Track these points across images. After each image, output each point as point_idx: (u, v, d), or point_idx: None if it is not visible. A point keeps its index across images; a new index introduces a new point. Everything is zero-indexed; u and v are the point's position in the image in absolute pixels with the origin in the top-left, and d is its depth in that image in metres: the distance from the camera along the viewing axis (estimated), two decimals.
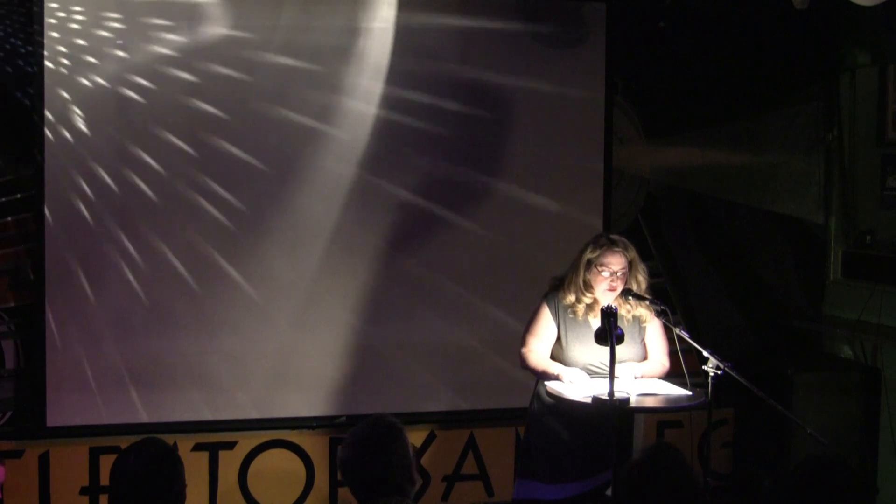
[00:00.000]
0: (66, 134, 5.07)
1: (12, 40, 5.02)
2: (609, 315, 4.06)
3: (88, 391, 5.13)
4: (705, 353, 4.11)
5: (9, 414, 5.12)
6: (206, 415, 5.29)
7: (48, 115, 5.03)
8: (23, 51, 5.03)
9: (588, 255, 4.40)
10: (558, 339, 4.43)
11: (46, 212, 5.05)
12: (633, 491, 2.86)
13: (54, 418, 5.10)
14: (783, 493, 2.91)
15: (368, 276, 5.44)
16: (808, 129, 6.05)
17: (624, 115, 5.82)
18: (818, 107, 6.06)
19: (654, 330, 4.51)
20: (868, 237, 5.86)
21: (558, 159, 5.66)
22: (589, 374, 4.33)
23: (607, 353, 4.04)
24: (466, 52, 5.51)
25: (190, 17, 5.20)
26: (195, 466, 5.24)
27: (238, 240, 5.29)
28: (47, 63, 5.02)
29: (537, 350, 4.44)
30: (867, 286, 5.69)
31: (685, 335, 4.19)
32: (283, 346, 5.36)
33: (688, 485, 2.89)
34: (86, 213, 5.11)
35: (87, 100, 5.09)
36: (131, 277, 5.17)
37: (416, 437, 5.45)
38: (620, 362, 4.25)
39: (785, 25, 5.84)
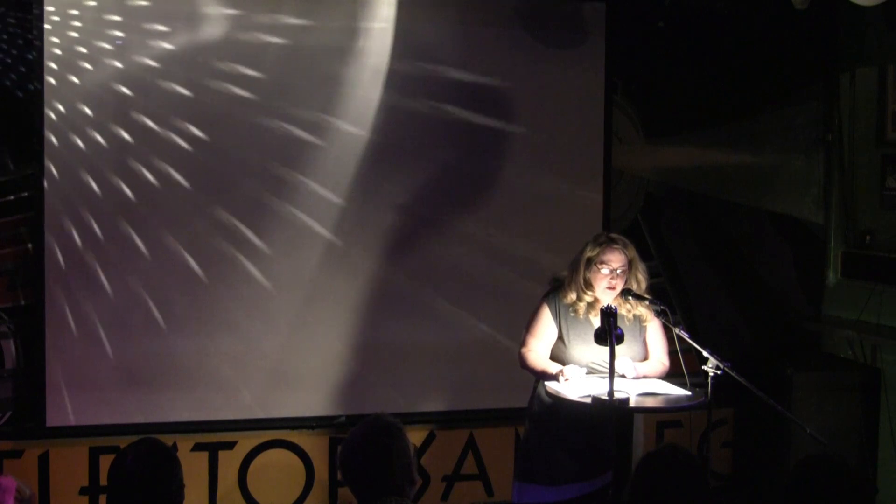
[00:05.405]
0: (66, 134, 5.06)
1: (12, 37, 5.02)
2: (609, 315, 4.06)
3: (88, 391, 5.13)
4: (705, 353, 4.10)
5: (8, 414, 5.12)
6: (206, 415, 5.28)
7: (48, 114, 5.03)
8: (23, 51, 5.02)
9: (588, 253, 4.40)
10: (560, 338, 4.43)
11: (46, 212, 5.05)
12: (646, 488, 2.86)
13: (54, 418, 5.09)
14: (783, 492, 2.91)
15: (368, 276, 5.44)
16: (808, 129, 6.06)
17: (624, 115, 5.81)
18: (818, 107, 6.06)
19: (654, 329, 4.51)
20: (868, 237, 5.87)
21: (558, 159, 5.66)
22: (592, 373, 4.33)
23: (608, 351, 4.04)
24: (466, 51, 5.51)
25: (189, 18, 5.19)
26: (195, 466, 5.24)
27: (237, 240, 5.28)
28: (47, 63, 5.01)
29: (537, 350, 4.43)
30: (867, 286, 5.69)
31: (685, 335, 4.19)
32: (283, 346, 5.36)
33: (701, 484, 2.89)
34: (85, 213, 5.10)
35: (87, 99, 5.08)
36: (131, 277, 5.17)
37: (416, 437, 5.44)
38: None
39: (785, 25, 5.83)
